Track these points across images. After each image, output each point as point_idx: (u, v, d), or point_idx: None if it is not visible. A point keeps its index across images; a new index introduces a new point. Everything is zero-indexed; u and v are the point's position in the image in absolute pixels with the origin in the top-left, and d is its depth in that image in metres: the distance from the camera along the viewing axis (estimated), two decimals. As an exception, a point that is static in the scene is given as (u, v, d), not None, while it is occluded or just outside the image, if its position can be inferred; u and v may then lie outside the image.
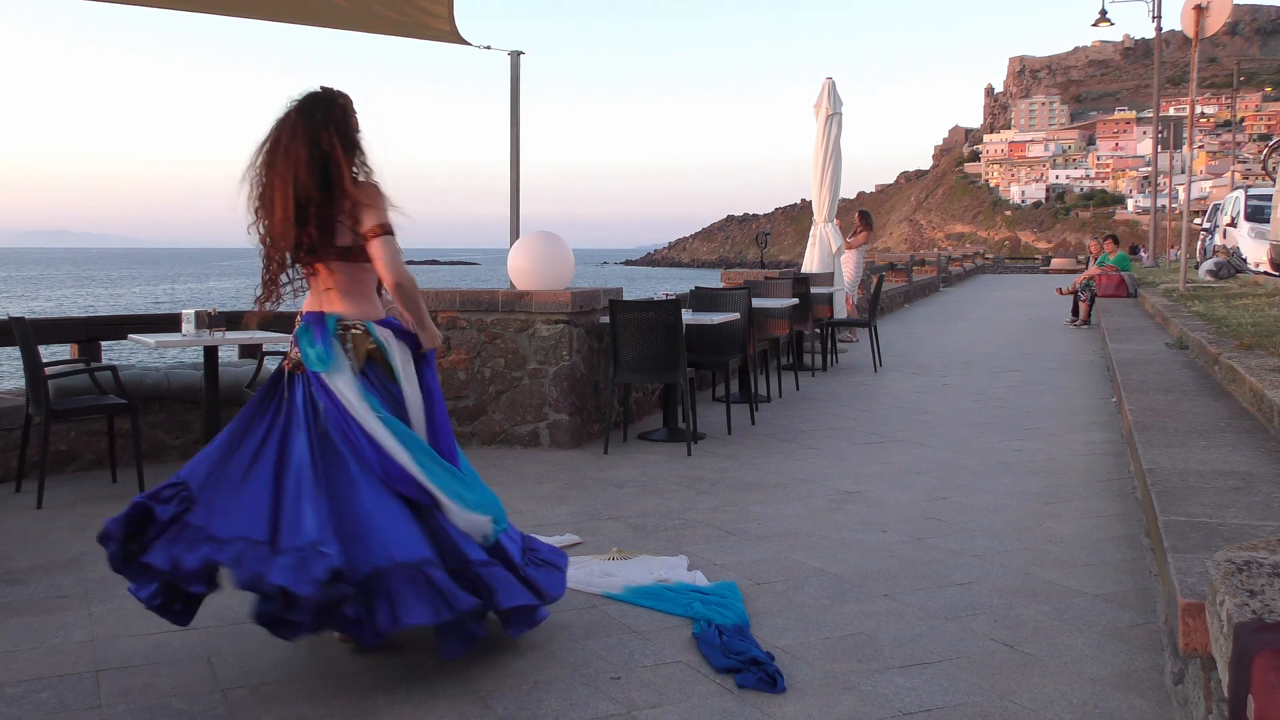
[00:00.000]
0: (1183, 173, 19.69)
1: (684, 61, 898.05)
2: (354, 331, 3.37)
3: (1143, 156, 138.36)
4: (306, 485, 3.13)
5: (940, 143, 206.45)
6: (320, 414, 3.27)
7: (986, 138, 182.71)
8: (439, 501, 3.27)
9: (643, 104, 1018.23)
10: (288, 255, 3.40)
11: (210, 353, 5.86)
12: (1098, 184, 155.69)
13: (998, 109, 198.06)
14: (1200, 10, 12.27)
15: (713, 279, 14.81)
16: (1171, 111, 79.24)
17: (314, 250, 3.35)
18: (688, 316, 7.24)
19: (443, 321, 6.92)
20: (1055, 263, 44.37)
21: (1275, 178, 18.44)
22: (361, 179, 3.37)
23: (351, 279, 3.40)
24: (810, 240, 13.69)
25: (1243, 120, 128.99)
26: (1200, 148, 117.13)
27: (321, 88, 3.42)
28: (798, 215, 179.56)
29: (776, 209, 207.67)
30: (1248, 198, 21.47)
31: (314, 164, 3.29)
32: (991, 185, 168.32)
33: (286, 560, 2.97)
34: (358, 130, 3.43)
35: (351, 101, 3.46)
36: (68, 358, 6.76)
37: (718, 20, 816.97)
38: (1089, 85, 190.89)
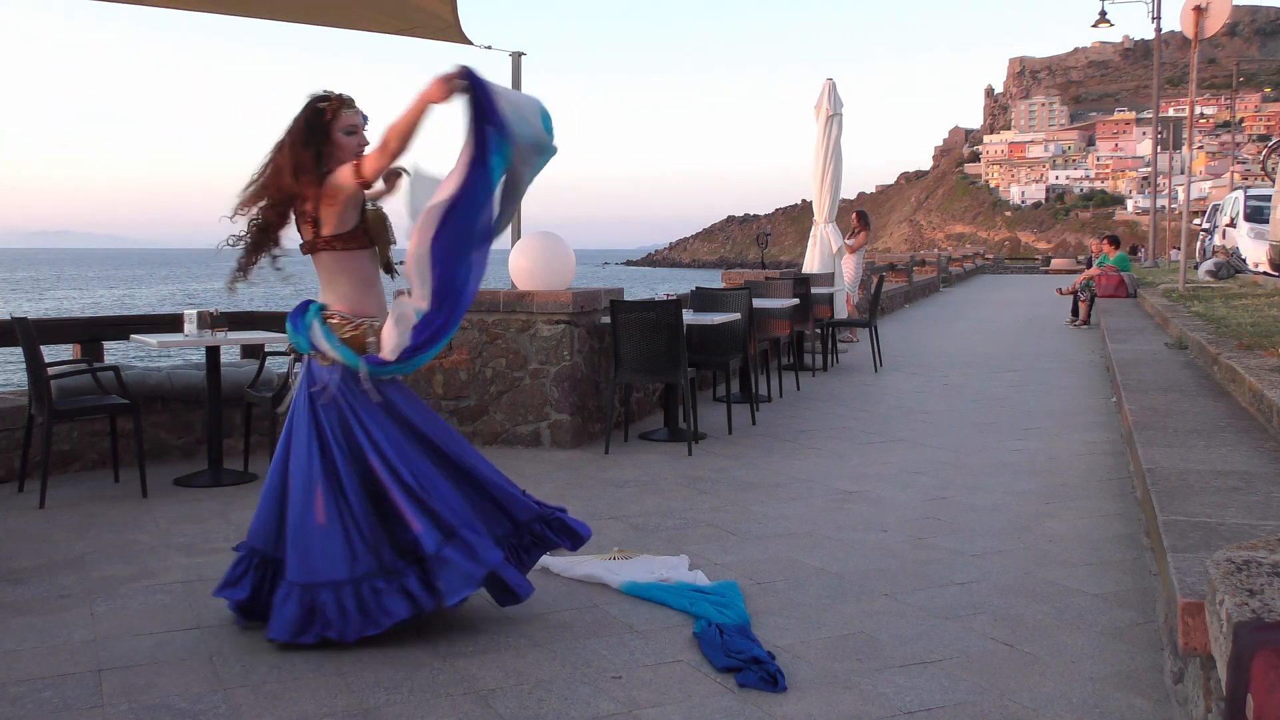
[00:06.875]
0: (1182, 173, 19.69)
1: (684, 62, 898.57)
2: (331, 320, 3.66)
3: (1142, 157, 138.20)
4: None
5: (940, 143, 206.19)
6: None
7: (986, 138, 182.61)
8: None
9: (643, 104, 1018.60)
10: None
11: (213, 353, 5.86)
12: (1097, 185, 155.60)
13: (998, 110, 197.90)
14: (1200, 11, 12.28)
15: (713, 279, 14.82)
16: (1171, 112, 79.14)
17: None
18: (688, 317, 7.24)
19: (444, 322, 6.93)
20: (1055, 263, 44.37)
21: (1275, 178, 18.44)
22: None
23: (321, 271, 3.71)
24: (810, 240, 13.70)
25: (1242, 121, 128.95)
26: (1200, 148, 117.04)
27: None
28: (798, 216, 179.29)
29: (777, 209, 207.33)
30: (1247, 198, 21.45)
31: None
32: (991, 186, 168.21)
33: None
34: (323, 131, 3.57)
35: (320, 106, 3.59)
36: (70, 358, 6.77)
37: (719, 21, 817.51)
38: (1089, 86, 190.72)
